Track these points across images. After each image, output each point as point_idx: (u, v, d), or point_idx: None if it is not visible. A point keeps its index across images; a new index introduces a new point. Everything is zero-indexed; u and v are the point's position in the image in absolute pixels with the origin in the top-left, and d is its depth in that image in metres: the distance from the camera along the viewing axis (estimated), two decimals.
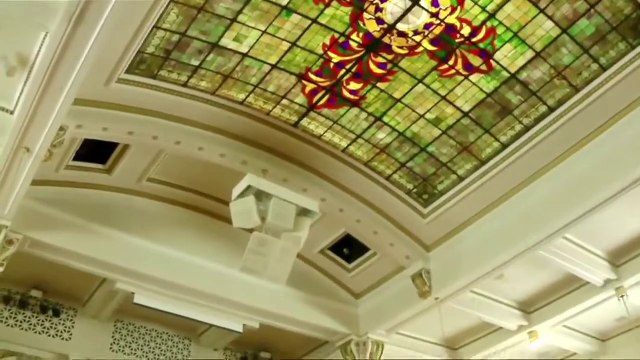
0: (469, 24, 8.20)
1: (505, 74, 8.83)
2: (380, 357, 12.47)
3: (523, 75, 8.81)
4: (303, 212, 9.11)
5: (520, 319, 12.85)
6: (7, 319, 11.09)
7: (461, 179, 10.44)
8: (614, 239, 10.85)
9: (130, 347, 12.33)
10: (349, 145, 10.22)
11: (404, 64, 8.88)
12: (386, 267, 12.03)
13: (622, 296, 11.34)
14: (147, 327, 12.68)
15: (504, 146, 9.78)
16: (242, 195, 8.77)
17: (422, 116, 9.63)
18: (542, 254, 10.42)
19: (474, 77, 8.96)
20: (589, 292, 11.73)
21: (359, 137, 10.07)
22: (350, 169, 10.50)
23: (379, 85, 9.22)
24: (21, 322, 11.23)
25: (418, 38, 8.46)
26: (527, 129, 9.46)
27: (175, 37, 8.37)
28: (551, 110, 9.15)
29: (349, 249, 12.18)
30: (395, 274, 11.95)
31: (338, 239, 12.00)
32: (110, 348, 12.09)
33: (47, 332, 11.45)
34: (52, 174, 9.92)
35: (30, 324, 11.31)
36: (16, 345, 10.96)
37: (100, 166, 10.53)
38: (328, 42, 8.57)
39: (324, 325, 12.38)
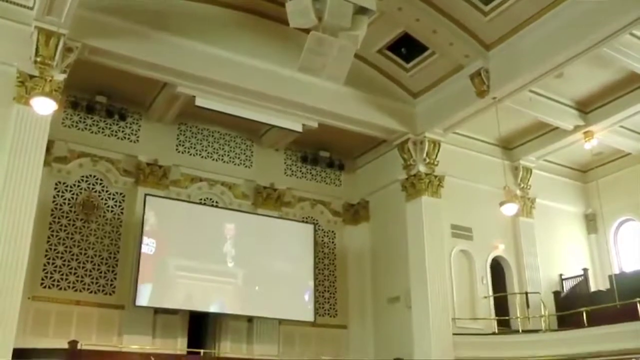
0: None
1: None
2: (436, 155, 12.75)
3: None
4: (360, 10, 8.88)
5: (577, 118, 12.89)
6: (77, 123, 11.62)
7: None
8: None
9: (194, 148, 12.87)
10: None
11: None
12: (444, 67, 11.92)
13: None
14: (210, 129, 13.13)
15: None
16: None
17: None
18: (606, 50, 10.18)
19: None
20: None
21: None
22: None
23: None
24: (90, 125, 11.76)
25: None
26: None
27: None
28: None
29: (407, 48, 11.93)
30: (454, 73, 11.87)
31: (396, 38, 11.74)
32: (176, 149, 12.65)
33: (115, 135, 12.00)
34: None
35: (99, 127, 11.84)
36: (88, 147, 11.63)
37: None
38: None
39: (381, 123, 12.59)
